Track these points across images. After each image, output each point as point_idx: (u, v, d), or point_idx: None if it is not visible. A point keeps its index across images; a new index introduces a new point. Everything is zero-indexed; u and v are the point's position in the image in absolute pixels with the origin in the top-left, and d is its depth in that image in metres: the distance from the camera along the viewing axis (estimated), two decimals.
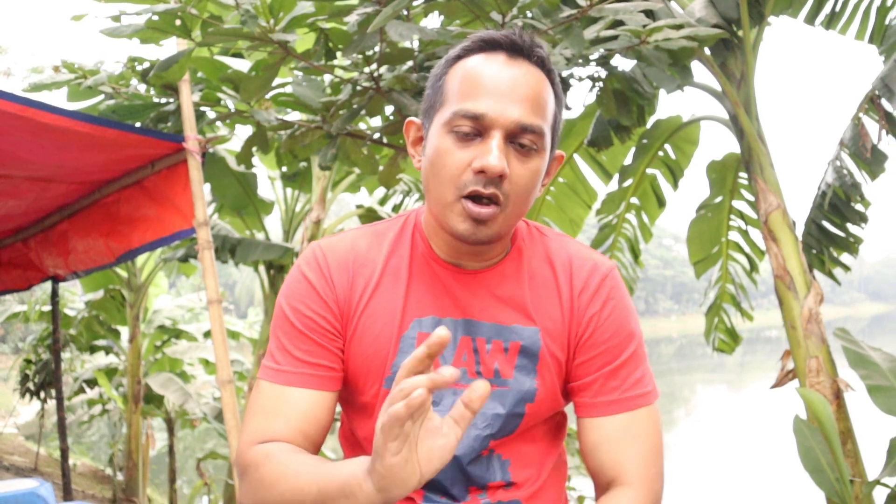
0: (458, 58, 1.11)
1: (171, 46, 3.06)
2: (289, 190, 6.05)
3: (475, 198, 1.05)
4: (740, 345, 5.16)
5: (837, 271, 4.22)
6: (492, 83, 1.05)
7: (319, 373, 1.14)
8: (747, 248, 4.86)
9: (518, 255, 1.20)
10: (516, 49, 1.08)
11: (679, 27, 2.79)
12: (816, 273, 4.09)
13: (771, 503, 9.17)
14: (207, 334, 8.97)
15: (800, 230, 3.97)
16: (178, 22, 2.76)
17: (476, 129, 1.05)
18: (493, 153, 1.03)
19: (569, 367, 1.18)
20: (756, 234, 4.76)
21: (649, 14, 3.23)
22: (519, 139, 1.06)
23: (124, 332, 8.49)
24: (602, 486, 1.16)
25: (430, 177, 1.10)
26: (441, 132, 1.08)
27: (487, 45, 1.09)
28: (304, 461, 1.03)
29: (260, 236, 5.80)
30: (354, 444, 1.26)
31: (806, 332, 3.49)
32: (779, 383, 3.78)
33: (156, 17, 2.70)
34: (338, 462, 1.00)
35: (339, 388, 1.17)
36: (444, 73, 1.12)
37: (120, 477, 8.75)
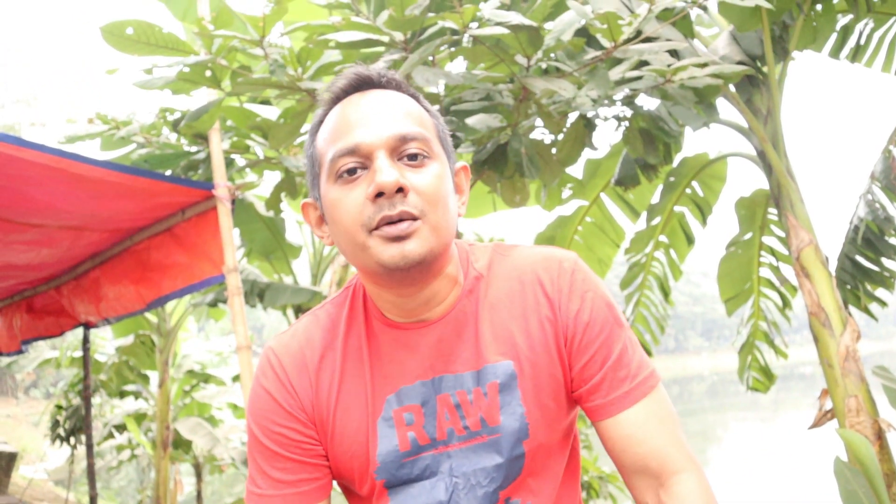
0: (320, 123, 1.08)
1: (202, 96, 3.13)
2: None
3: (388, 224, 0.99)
4: (775, 383, 5.05)
5: (874, 307, 4.13)
6: (355, 115, 1.01)
7: (303, 489, 1.10)
8: (779, 285, 4.79)
9: (474, 288, 1.12)
10: (365, 83, 1.05)
11: (703, 65, 2.79)
12: (851, 309, 4.02)
13: None
14: (236, 378, 8.99)
15: (833, 266, 3.91)
16: (208, 73, 2.82)
17: (358, 162, 0.99)
18: (380, 171, 0.97)
19: (568, 377, 1.11)
20: (788, 270, 4.69)
21: (673, 53, 3.25)
22: (405, 151, 1.00)
23: (153, 377, 8.52)
24: (648, 482, 1.08)
25: (338, 235, 1.03)
26: (328, 186, 1.02)
27: (340, 95, 1.06)
28: None
29: (288, 280, 5.83)
30: None
31: (843, 371, 3.42)
32: (817, 423, 3.69)
33: (187, 69, 2.77)
34: None
35: (330, 491, 1.14)
36: (312, 141, 1.08)
37: None
